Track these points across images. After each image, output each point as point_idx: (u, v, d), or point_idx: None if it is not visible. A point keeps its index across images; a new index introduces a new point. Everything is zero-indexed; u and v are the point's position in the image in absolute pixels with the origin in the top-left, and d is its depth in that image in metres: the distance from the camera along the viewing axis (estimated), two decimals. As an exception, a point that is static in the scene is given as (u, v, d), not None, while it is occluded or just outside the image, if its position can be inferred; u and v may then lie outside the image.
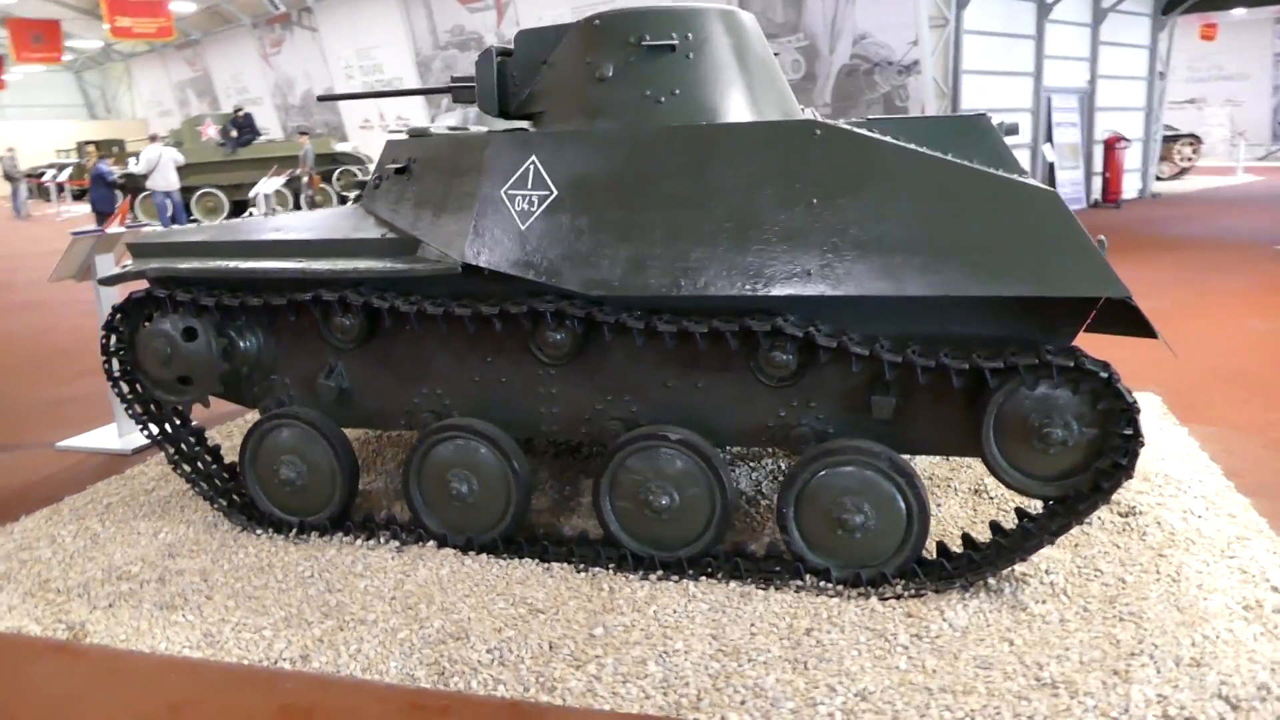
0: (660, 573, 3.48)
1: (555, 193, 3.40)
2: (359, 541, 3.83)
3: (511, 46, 3.91)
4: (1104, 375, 2.95)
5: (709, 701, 2.72)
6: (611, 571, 3.52)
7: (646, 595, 3.34)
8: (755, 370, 3.38)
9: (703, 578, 3.44)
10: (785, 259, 3.14)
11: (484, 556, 3.66)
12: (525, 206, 3.44)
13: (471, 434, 3.64)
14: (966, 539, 3.41)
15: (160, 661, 3.06)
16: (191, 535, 3.97)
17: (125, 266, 4.06)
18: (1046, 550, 3.49)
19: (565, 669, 2.90)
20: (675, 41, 3.53)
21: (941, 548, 3.43)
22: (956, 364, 3.08)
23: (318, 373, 3.92)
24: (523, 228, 3.42)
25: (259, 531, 3.96)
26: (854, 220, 3.08)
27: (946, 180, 3.04)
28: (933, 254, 3.01)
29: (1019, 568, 3.39)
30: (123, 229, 5.34)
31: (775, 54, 4.04)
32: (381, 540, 3.82)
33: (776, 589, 3.34)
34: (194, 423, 4.21)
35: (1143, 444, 2.96)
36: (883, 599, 3.25)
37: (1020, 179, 3.02)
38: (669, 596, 3.31)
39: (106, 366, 4.01)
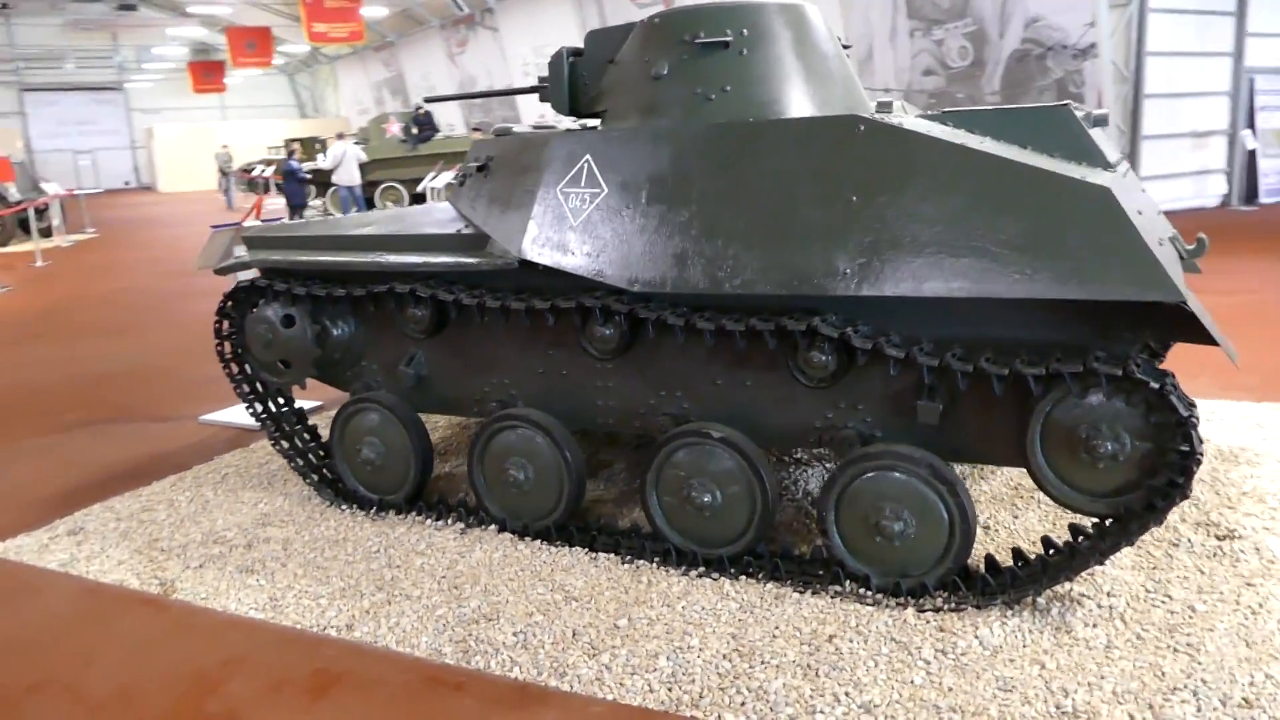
0: (701, 569, 3.49)
1: (605, 190, 3.46)
2: (429, 522, 4.04)
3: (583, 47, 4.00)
4: (1155, 385, 2.73)
5: (710, 700, 2.72)
6: (655, 565, 3.55)
7: (681, 590, 3.35)
8: (795, 370, 3.32)
9: (743, 577, 3.42)
10: (822, 258, 3.07)
11: (538, 543, 3.77)
12: (578, 204, 3.51)
13: (527, 423, 3.76)
14: (1016, 553, 3.23)
15: (227, 620, 3.35)
16: (285, 507, 4.30)
17: (239, 257, 4.43)
18: (1115, 571, 3.27)
19: (580, 656, 2.97)
20: (729, 38, 3.51)
21: (990, 561, 3.26)
22: (997, 370, 2.92)
23: (400, 360, 4.16)
24: (575, 224, 3.50)
25: (344, 507, 4.24)
26: (893, 218, 2.98)
27: (990, 175, 2.89)
28: (973, 254, 2.87)
29: (1077, 587, 3.18)
30: (257, 223, 5.81)
31: (846, 47, 3.94)
32: (449, 522, 4.01)
33: (814, 594, 3.28)
34: (296, 403, 4.56)
35: (1199, 460, 2.72)
36: (920, 611, 3.13)
37: (1069, 174, 2.82)
38: (702, 593, 3.32)
39: (219, 349, 4.39)
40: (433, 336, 4.03)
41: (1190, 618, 3.00)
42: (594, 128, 3.86)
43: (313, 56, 43.11)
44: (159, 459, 5.12)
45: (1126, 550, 3.43)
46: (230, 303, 4.36)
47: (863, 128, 3.07)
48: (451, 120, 30.82)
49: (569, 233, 3.51)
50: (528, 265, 3.58)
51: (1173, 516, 3.69)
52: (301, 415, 4.56)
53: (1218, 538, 3.55)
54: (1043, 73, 14.46)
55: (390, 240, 4.04)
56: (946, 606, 3.13)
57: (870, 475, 3.19)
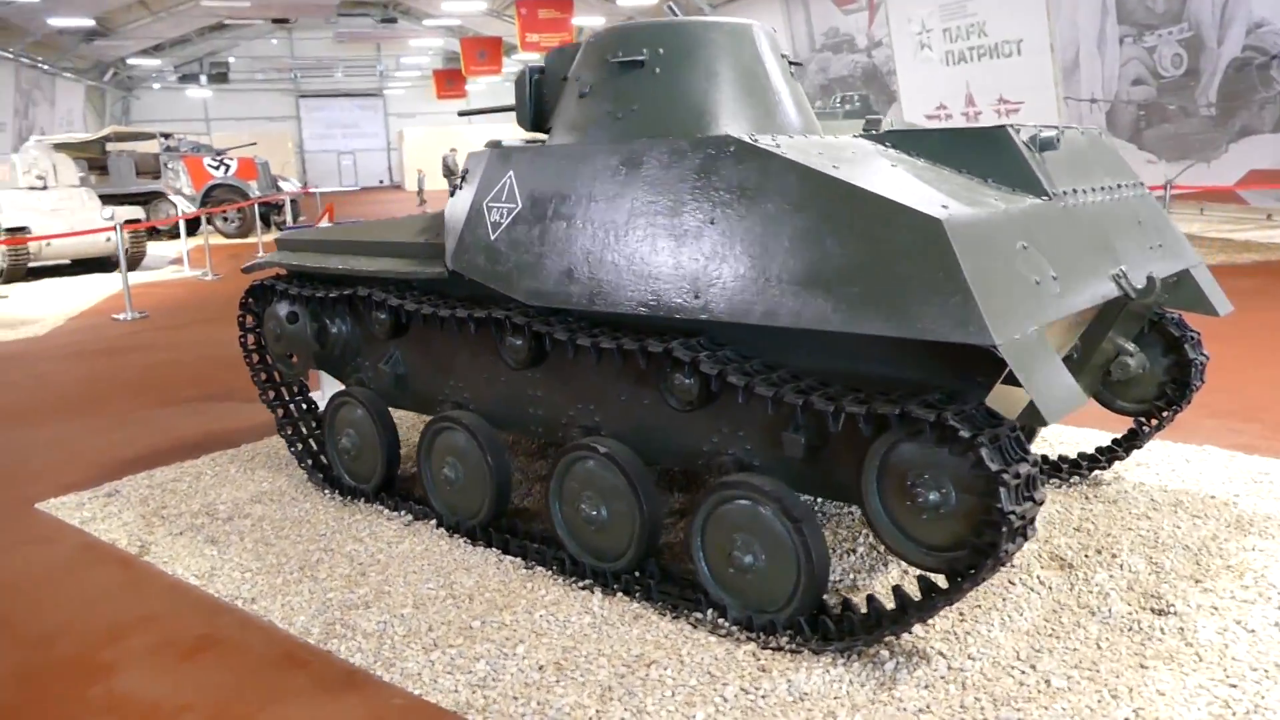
0: (587, 581, 3.54)
1: (519, 206, 3.59)
2: (386, 512, 4.32)
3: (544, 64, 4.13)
4: (964, 434, 2.52)
5: (497, 709, 2.79)
6: (551, 573, 3.64)
7: (553, 599, 3.43)
8: (665, 392, 3.31)
9: (620, 594, 3.44)
10: (678, 279, 3.06)
11: (463, 540, 3.96)
12: (498, 218, 3.66)
13: (459, 426, 3.95)
14: (871, 601, 3.05)
15: (168, 583, 3.76)
16: (283, 487, 4.73)
17: (261, 258, 4.91)
18: (1000, 633, 3.03)
19: (417, 651, 3.13)
20: (644, 57, 3.53)
21: (847, 604, 3.10)
22: (825, 405, 2.79)
23: (382, 358, 4.47)
24: (493, 238, 3.65)
25: (328, 492, 4.61)
26: (740, 242, 2.92)
27: (833, 200, 2.77)
28: (811, 282, 2.77)
29: (939, 644, 2.97)
30: (328, 225, 6.35)
31: (794, 64, 3.84)
32: (400, 513, 4.27)
33: (674, 619, 3.26)
34: (310, 392, 4.99)
35: (1011, 523, 2.48)
36: (763, 648, 3.04)
37: (906, 202, 2.65)
38: (570, 605, 3.38)
39: (242, 339, 4.89)
40: (396, 338, 4.31)
41: (1038, 693, 2.73)
42: (526, 144, 4.00)
43: (545, 65, 45.31)
44: (220, 435, 5.73)
45: (1030, 612, 3.18)
46: (251, 299, 4.84)
47: (733, 149, 3.02)
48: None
49: (488, 245, 3.67)
50: (456, 275, 3.78)
51: (1113, 581, 3.35)
52: (312, 405, 4.98)
53: (1153, 610, 3.18)
54: (1265, 84, 12.97)
55: (371, 246, 4.35)
56: (789, 647, 3.02)
57: (727, 505, 3.13)
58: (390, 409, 4.44)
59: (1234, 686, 2.74)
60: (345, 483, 4.58)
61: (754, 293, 2.87)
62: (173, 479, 4.94)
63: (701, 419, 3.33)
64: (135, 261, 14.29)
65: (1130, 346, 3.93)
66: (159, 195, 19.58)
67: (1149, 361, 4.06)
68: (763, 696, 2.76)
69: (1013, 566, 3.53)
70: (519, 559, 3.77)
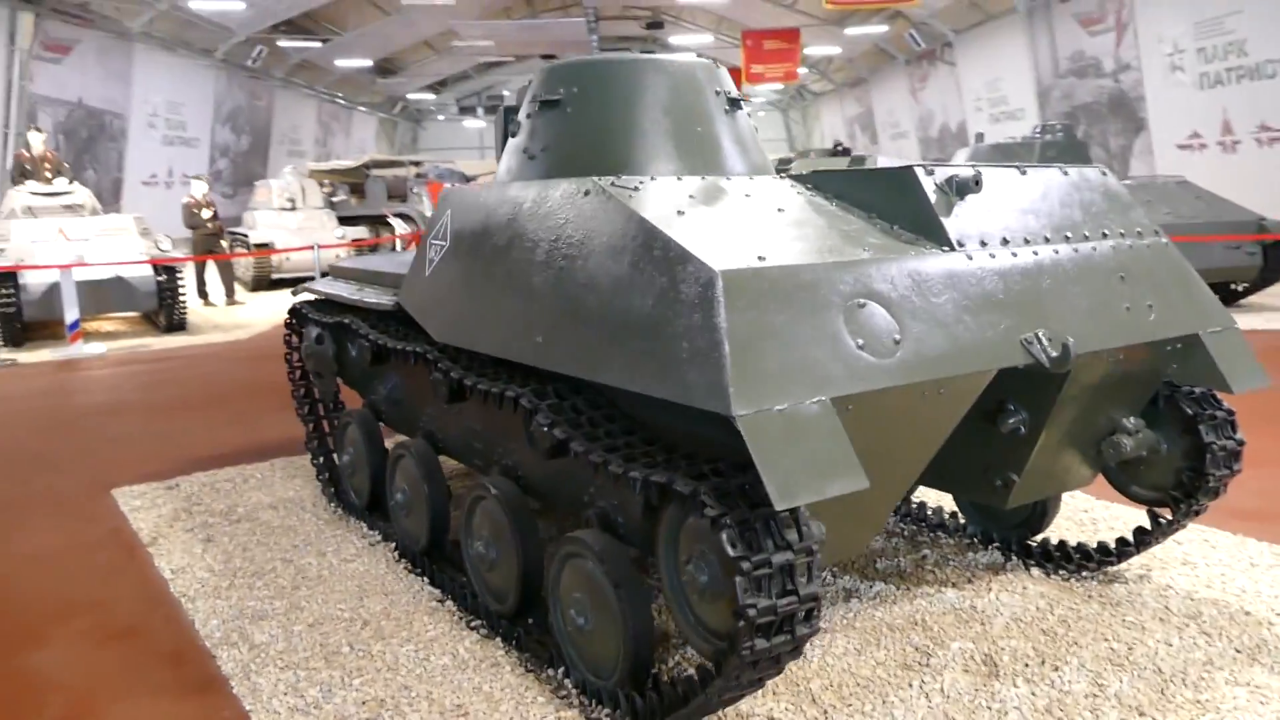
0: (479, 622, 3.50)
1: (448, 244, 3.64)
2: (364, 529, 4.49)
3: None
4: (712, 512, 2.25)
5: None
6: (457, 608, 3.63)
7: (433, 635, 3.43)
8: (528, 439, 3.21)
9: (499, 639, 3.37)
10: (529, 326, 2.98)
11: (404, 566, 4.04)
12: (434, 255, 3.74)
13: (409, 453, 4.04)
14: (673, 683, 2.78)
15: (143, 574, 4.12)
16: (303, 497, 5.04)
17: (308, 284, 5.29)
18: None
19: (276, 668, 3.21)
20: (560, 96, 3.46)
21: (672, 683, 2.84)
22: (617, 469, 2.61)
23: (384, 383, 4.67)
24: (426, 274, 3.73)
25: (333, 505, 4.86)
26: (578, 289, 2.80)
27: (644, 248, 2.59)
28: (616, 334, 2.61)
29: (757, 741, 2.68)
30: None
31: (734, 101, 3.62)
32: (375, 533, 4.43)
33: (529, 672, 3.15)
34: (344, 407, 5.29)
35: (750, 617, 2.19)
36: (588, 719, 2.87)
37: (693, 250, 2.42)
38: (442, 644, 3.36)
39: (287, 357, 5.27)
40: (376, 365, 4.48)
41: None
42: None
43: (799, 94, 45.19)
44: (257, 449, 6.08)
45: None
46: (294, 319, 5.22)
47: (588, 191, 2.91)
48: (910, 157, 30.57)
49: (422, 281, 3.75)
50: (402, 308, 3.89)
51: (1030, 699, 2.88)
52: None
53: (1051, 740, 2.68)
54: None
55: (374, 276, 4.57)
56: (605, 717, 2.83)
57: (567, 561, 2.99)
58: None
59: None
60: (348, 498, 4.81)
61: (576, 343, 2.74)
62: (226, 479, 5.41)
63: (574, 467, 3.20)
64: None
65: (1130, 423, 3.35)
66: (381, 219, 21.41)
67: (1165, 442, 3.44)
68: (536, 768, 2.61)
69: (925, 665, 3.11)
70: (438, 590, 3.79)
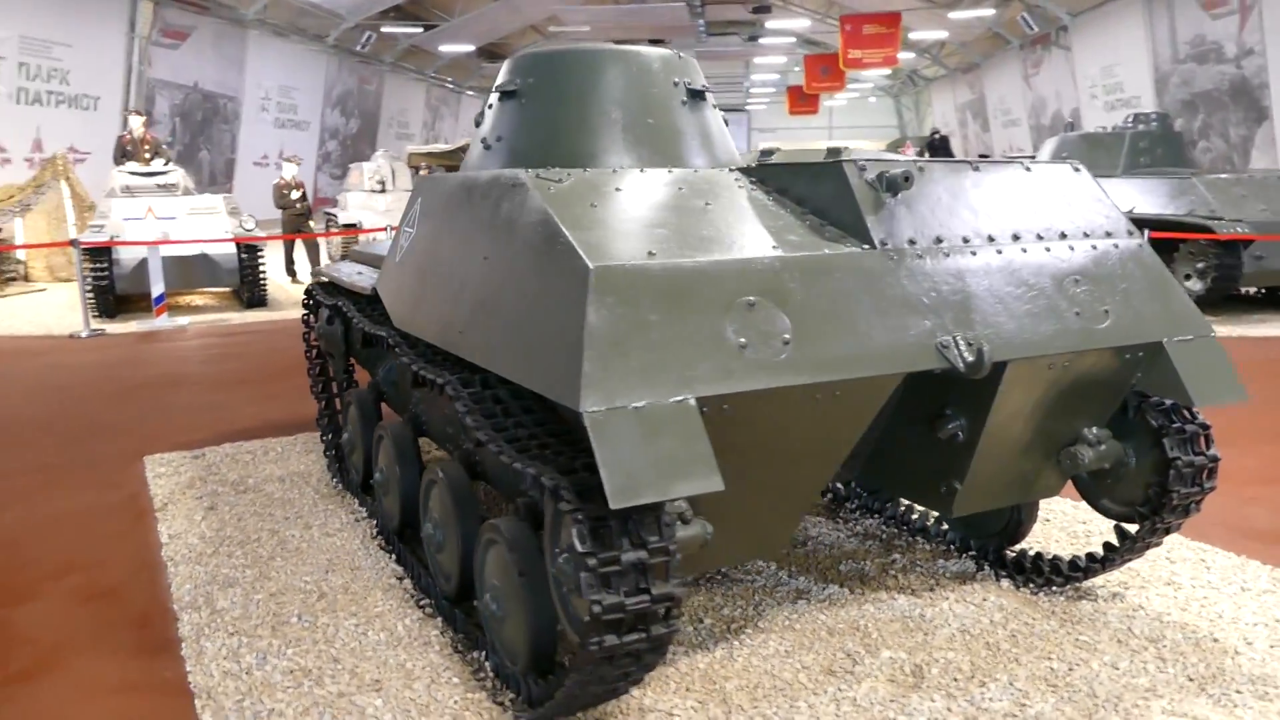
0: (428, 601, 3.58)
1: (414, 232, 3.72)
2: (356, 505, 4.64)
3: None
4: (566, 506, 2.25)
5: (219, 700, 2.96)
6: (412, 588, 3.73)
7: (379, 611, 3.53)
8: (462, 427, 3.25)
9: (440, 620, 3.45)
10: (455, 316, 3.03)
11: (377, 546, 4.16)
12: (404, 242, 3.82)
13: (385, 432, 4.15)
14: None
15: (145, 539, 4.36)
16: (305, 470, 5.23)
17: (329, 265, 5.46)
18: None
19: (224, 634, 3.37)
20: (516, 86, 3.49)
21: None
22: (509, 460, 2.63)
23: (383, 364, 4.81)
24: (396, 260, 3.82)
25: (335, 480, 5.03)
26: (491, 279, 2.84)
27: (545, 241, 2.60)
28: (515, 326, 2.65)
29: (644, 737, 2.67)
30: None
31: (697, 92, 3.57)
32: (364, 510, 4.57)
33: (457, 653, 3.22)
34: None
35: (595, 613, 2.18)
36: (494, 702, 2.92)
37: (577, 245, 2.42)
38: (385, 620, 3.46)
39: (305, 335, 5.47)
40: (368, 348, 4.61)
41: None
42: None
43: (910, 79, 43.99)
44: (284, 425, 6.23)
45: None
46: (311, 300, 5.41)
47: (516, 184, 2.93)
48: (1023, 145, 29.52)
49: (393, 267, 3.84)
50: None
51: (945, 714, 2.79)
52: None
53: (949, 758, 2.60)
54: None
55: (374, 260, 4.69)
56: (510, 707, 2.87)
57: (489, 548, 3.04)
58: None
59: None
60: (349, 475, 4.97)
61: (482, 333, 2.78)
62: (248, 451, 5.66)
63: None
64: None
65: (1092, 433, 3.19)
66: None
67: (1133, 455, 3.26)
68: (425, 747, 2.68)
69: (850, 672, 3.04)
70: (401, 568, 3.90)
